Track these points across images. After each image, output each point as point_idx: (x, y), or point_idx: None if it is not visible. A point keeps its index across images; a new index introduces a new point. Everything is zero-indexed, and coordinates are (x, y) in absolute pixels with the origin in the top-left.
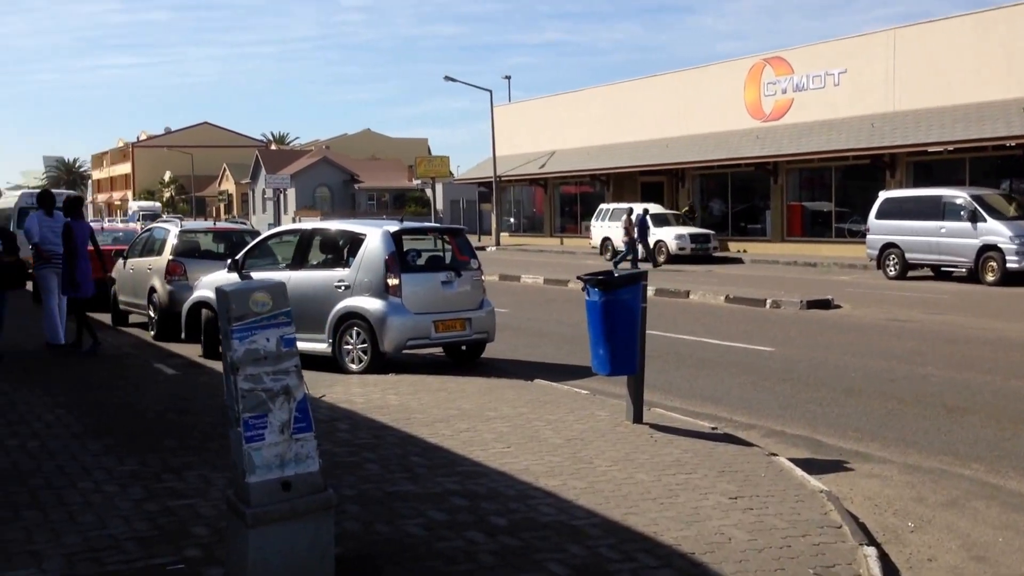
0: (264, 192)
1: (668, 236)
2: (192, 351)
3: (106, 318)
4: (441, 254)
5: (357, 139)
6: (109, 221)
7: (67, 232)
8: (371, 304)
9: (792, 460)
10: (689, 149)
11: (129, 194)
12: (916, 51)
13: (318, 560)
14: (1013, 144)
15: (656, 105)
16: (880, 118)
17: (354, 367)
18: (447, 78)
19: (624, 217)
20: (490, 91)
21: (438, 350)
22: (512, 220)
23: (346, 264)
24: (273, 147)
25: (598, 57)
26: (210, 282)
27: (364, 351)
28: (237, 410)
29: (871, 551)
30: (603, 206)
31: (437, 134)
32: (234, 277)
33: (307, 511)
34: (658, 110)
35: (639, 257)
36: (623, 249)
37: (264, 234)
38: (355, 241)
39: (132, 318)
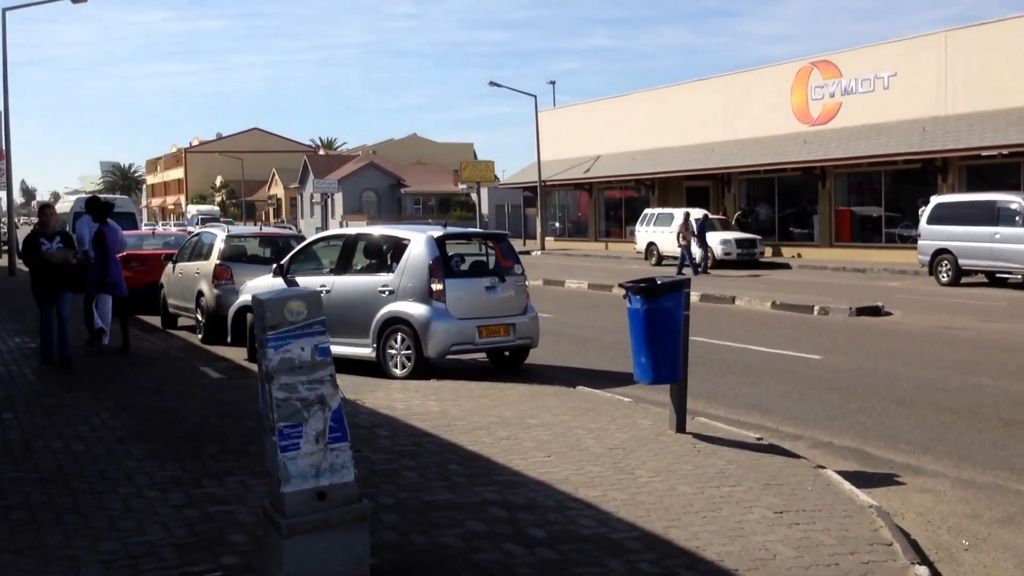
0: (312, 196)
1: (714, 241)
2: (238, 354)
3: (156, 320)
4: (484, 259)
5: (403, 144)
6: (163, 226)
7: (99, 236)
8: (415, 309)
9: (840, 473)
10: (735, 153)
11: (182, 198)
12: (968, 53)
13: (353, 571)
14: None
15: (702, 109)
16: (931, 121)
17: (398, 372)
18: (492, 83)
19: (680, 222)
20: (535, 96)
21: (481, 356)
22: (557, 224)
23: (390, 269)
24: (321, 152)
25: (644, 62)
26: (255, 287)
27: (408, 356)
28: (272, 419)
29: (923, 570)
30: (648, 211)
31: (482, 139)
32: (279, 282)
33: (342, 522)
34: (704, 114)
35: (695, 262)
36: (681, 254)
37: (309, 239)
38: (399, 246)
39: (181, 321)
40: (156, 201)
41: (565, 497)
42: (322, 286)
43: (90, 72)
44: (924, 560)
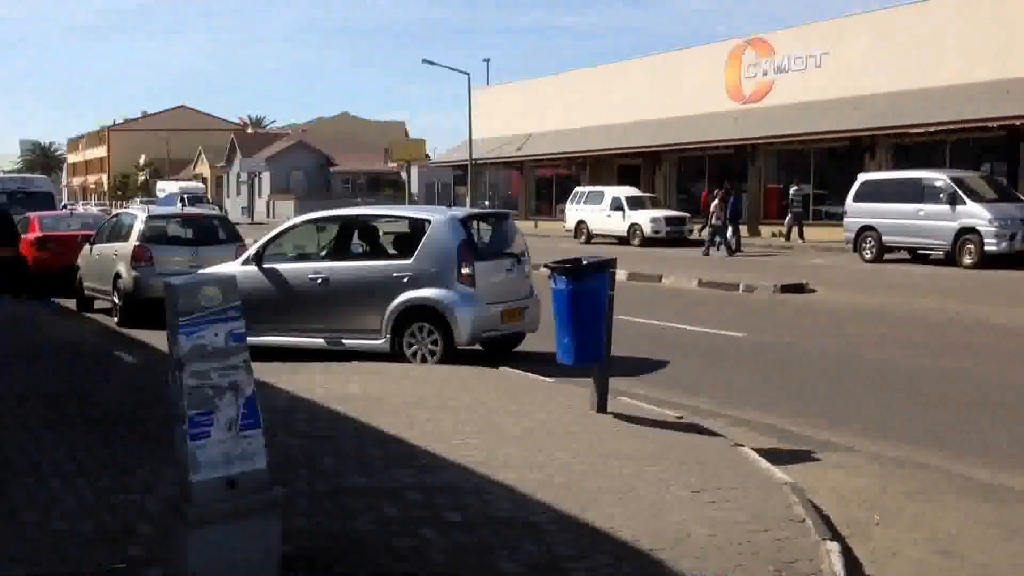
0: (239, 176)
1: (643, 219)
2: (154, 338)
3: (72, 303)
4: (496, 240)
5: (334, 122)
6: (84, 205)
7: None
8: (443, 295)
9: (758, 450)
10: (667, 132)
11: (104, 178)
12: (899, 32)
13: (262, 560)
14: (995, 126)
15: (635, 88)
16: (862, 100)
17: (423, 363)
18: (426, 61)
19: (715, 201)
20: (468, 74)
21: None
22: (487, 203)
23: (404, 253)
24: (249, 131)
25: (580, 40)
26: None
27: (434, 346)
28: (182, 407)
29: (834, 546)
30: (578, 189)
31: (416, 117)
32: (251, 270)
33: (252, 510)
34: (637, 93)
35: (729, 243)
36: (711, 234)
37: (289, 222)
38: (415, 228)
39: (97, 304)
40: (77, 180)
41: (483, 480)
42: (315, 274)
43: (11, 49)
44: (835, 536)
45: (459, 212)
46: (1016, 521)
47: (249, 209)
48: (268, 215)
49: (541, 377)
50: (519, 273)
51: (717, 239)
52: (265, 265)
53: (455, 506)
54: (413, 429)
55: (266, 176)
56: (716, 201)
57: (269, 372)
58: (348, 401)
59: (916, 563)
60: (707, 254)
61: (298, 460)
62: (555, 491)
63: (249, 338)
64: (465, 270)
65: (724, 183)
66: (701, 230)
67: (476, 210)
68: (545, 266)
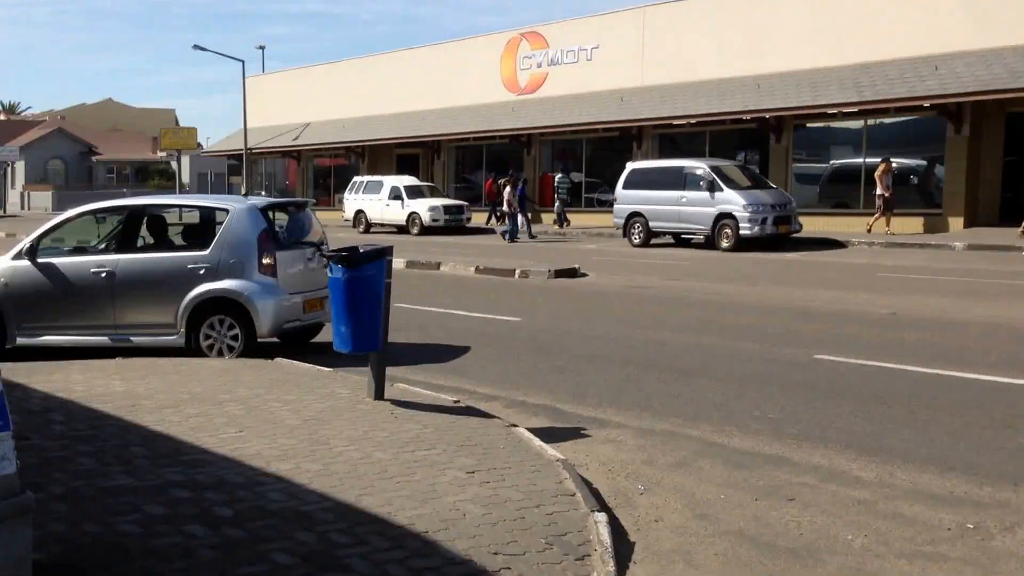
0: None
1: (422, 208)
2: None
3: None
4: (295, 229)
5: (97, 109)
6: None
7: None
8: (243, 286)
9: (531, 430)
10: (446, 121)
11: None
12: (663, 29)
13: (13, 570)
14: (748, 118)
15: (414, 78)
16: (629, 92)
17: (223, 357)
18: (196, 47)
19: (507, 189)
20: (243, 61)
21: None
22: (263, 193)
23: (199, 244)
24: (1, 117)
25: (359, 29)
26: None
27: (234, 339)
28: None
29: (601, 517)
30: (357, 179)
31: (186, 105)
32: (23, 265)
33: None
34: (416, 83)
35: (515, 229)
36: (512, 222)
37: (67, 213)
38: (210, 217)
39: None
40: None
41: (256, 473)
42: (99, 267)
43: None
44: (603, 507)
45: (259, 201)
46: (765, 483)
47: (0, 201)
48: (23, 207)
49: (319, 367)
50: (319, 263)
51: (510, 225)
52: (40, 260)
53: (226, 501)
54: (182, 425)
55: (20, 166)
56: (507, 189)
57: (23, 372)
58: (111, 399)
59: (677, 528)
60: (514, 240)
61: (55, 463)
62: (331, 480)
63: (21, 339)
64: (266, 260)
65: (511, 171)
66: (499, 219)
67: (275, 199)
68: (322, 255)
